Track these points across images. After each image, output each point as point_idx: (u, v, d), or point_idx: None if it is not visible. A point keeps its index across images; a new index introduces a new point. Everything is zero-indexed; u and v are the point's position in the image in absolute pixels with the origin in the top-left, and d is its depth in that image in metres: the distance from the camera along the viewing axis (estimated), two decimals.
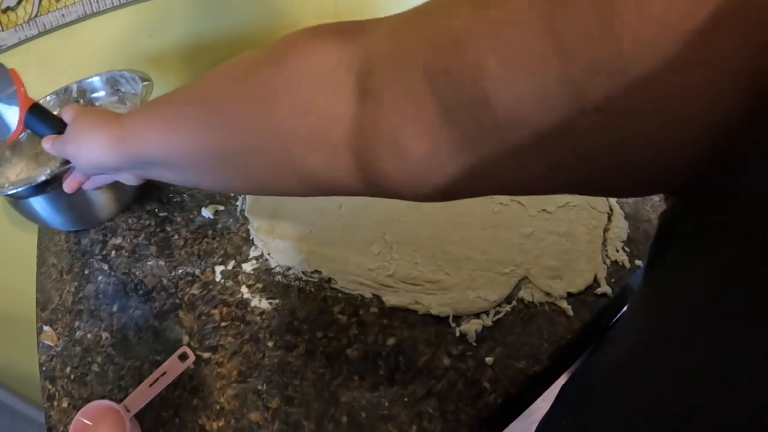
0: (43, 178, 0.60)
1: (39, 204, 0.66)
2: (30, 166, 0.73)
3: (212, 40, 0.95)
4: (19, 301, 0.88)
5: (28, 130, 0.58)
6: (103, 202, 0.71)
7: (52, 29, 0.79)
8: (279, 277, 0.61)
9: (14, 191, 0.61)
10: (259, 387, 0.52)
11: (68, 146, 0.51)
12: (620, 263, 0.61)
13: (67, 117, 0.54)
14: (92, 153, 0.48)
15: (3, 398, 1.13)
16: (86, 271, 0.67)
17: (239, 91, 0.33)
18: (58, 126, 0.56)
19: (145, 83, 0.74)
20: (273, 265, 0.63)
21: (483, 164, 0.25)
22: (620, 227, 0.65)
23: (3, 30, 0.75)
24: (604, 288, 0.58)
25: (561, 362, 0.55)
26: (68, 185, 0.58)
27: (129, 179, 0.54)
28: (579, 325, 0.55)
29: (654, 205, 0.68)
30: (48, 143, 0.55)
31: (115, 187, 0.67)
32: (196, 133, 0.37)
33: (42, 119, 0.56)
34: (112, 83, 0.81)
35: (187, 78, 0.96)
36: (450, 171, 0.26)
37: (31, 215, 0.69)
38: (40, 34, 0.78)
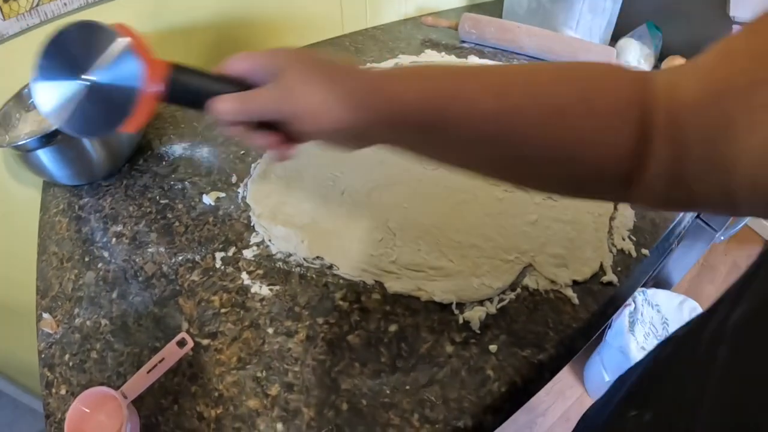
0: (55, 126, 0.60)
1: (45, 156, 0.70)
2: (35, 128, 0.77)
3: (214, 26, 0.95)
4: (22, 292, 0.88)
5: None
6: (102, 159, 0.75)
7: (54, 18, 0.79)
8: (280, 264, 0.61)
9: (25, 141, 0.65)
10: (259, 374, 0.51)
11: (288, 104, 0.38)
12: (627, 252, 0.60)
13: (240, 66, 0.40)
14: (333, 109, 0.37)
15: (6, 389, 1.13)
16: (87, 259, 0.67)
17: (558, 86, 0.36)
18: (214, 85, 0.40)
19: None
20: (274, 252, 0.62)
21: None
22: (626, 216, 0.64)
23: (5, 19, 0.75)
24: (611, 276, 0.57)
25: (567, 351, 0.53)
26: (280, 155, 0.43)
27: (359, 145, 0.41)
28: (585, 314, 0.54)
29: None
30: (234, 103, 0.39)
31: (112, 145, 0.73)
32: (500, 103, 0.35)
33: (190, 84, 0.40)
34: None
35: (184, 60, 0.95)
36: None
37: (38, 168, 0.73)
38: (41, 23, 0.78)
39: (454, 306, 0.54)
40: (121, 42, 0.37)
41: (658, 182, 0.34)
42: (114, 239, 0.68)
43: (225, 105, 0.39)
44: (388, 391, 0.48)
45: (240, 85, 0.40)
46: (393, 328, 0.53)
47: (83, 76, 0.38)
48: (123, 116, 0.39)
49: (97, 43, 0.37)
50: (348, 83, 0.37)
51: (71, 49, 0.38)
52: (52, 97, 0.39)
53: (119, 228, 0.69)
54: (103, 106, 0.39)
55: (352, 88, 0.37)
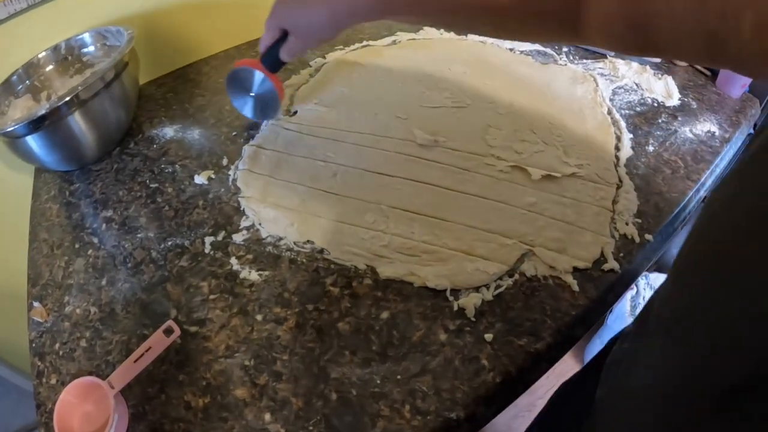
0: (43, 111, 0.65)
1: (34, 142, 0.69)
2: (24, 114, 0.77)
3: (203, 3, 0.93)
4: (19, 281, 0.87)
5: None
6: (91, 143, 0.75)
7: (42, 2, 0.77)
8: (270, 248, 0.59)
9: (14, 127, 0.65)
10: (247, 362, 0.50)
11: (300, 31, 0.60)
12: (629, 237, 0.58)
13: (267, 41, 0.65)
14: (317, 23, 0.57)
15: (9, 377, 1.14)
16: (77, 245, 0.66)
17: None
18: (273, 51, 0.65)
19: (129, 31, 0.77)
20: (264, 236, 0.60)
21: None
22: (630, 199, 0.61)
23: None
24: (612, 264, 0.55)
25: (565, 340, 0.52)
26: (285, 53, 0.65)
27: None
28: (584, 301, 0.52)
29: (665, 178, 0.65)
30: (284, 53, 0.65)
31: (102, 129, 0.75)
32: None
33: (273, 59, 0.66)
34: (98, 38, 0.83)
35: (175, 40, 0.94)
36: None
37: (27, 155, 0.72)
38: (29, 8, 0.77)
39: (448, 292, 0.52)
40: (252, 71, 0.70)
41: (607, 21, 0.38)
42: (104, 225, 0.67)
43: (284, 56, 0.65)
44: (378, 381, 0.47)
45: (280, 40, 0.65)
46: (384, 314, 0.52)
47: (251, 94, 0.74)
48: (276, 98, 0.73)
49: (244, 74, 0.71)
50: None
51: (238, 81, 0.72)
52: (240, 104, 0.76)
53: (109, 213, 0.68)
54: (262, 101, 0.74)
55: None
